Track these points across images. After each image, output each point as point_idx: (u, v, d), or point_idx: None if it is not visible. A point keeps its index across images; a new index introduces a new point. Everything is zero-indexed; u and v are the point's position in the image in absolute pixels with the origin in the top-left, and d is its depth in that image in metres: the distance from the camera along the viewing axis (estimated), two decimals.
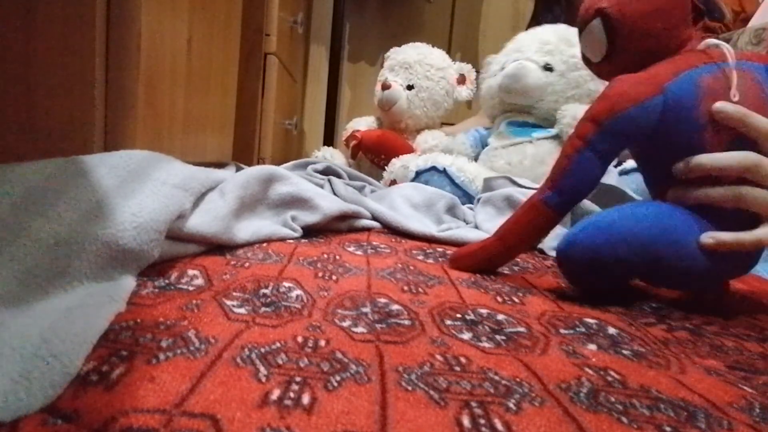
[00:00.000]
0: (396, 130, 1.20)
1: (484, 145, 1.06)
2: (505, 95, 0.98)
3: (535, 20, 1.27)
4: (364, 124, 1.27)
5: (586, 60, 0.49)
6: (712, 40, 0.43)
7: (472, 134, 1.11)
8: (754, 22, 1.00)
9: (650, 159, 0.47)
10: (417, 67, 1.18)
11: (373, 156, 1.13)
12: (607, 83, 0.46)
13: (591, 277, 0.43)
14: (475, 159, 1.08)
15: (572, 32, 0.96)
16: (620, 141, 0.44)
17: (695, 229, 0.41)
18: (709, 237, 0.40)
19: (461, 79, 1.21)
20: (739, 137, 0.40)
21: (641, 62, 0.44)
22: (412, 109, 1.17)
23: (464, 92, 1.21)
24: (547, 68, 0.95)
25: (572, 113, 0.90)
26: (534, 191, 0.48)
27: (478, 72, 1.16)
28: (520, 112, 0.99)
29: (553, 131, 0.95)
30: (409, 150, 1.12)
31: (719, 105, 0.40)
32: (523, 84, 0.94)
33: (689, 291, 0.46)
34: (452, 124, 1.33)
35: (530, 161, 0.93)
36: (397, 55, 1.23)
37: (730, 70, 0.41)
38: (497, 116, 1.04)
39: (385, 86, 1.16)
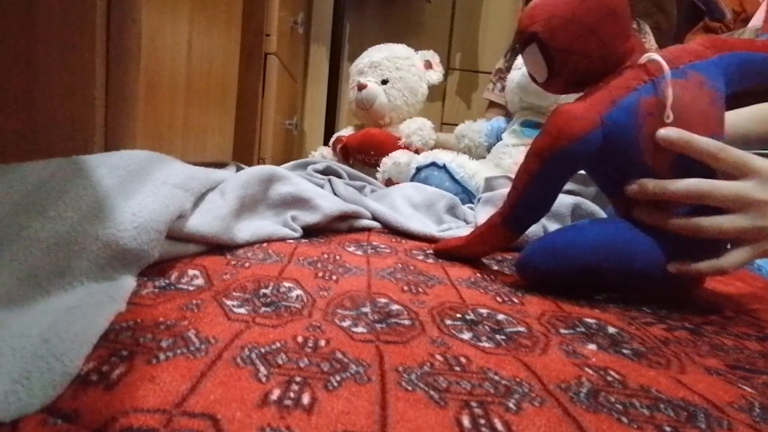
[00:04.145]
0: (380, 127, 1.21)
1: (499, 138, 1.06)
2: (522, 93, 0.97)
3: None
4: (344, 133, 1.28)
5: (533, 78, 0.49)
6: (651, 54, 0.42)
7: (492, 124, 1.10)
8: (754, 22, 1.00)
9: (599, 181, 0.48)
10: (385, 63, 1.21)
11: (363, 155, 1.15)
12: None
13: (544, 286, 0.45)
14: (488, 150, 1.08)
15: None
16: (564, 172, 0.45)
17: (644, 252, 0.42)
18: (673, 267, 0.42)
19: (428, 65, 1.25)
20: (682, 155, 0.40)
21: (582, 80, 0.45)
22: (393, 102, 1.19)
23: (434, 75, 1.25)
24: None
25: None
26: None
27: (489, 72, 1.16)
28: (537, 111, 0.98)
29: None
30: (394, 141, 1.13)
31: (662, 133, 0.40)
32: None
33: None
34: (453, 125, 1.33)
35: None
36: (362, 59, 1.26)
37: (666, 86, 0.40)
38: (516, 111, 1.04)
39: (361, 86, 1.18)
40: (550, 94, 0.92)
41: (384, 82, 1.19)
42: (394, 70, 1.20)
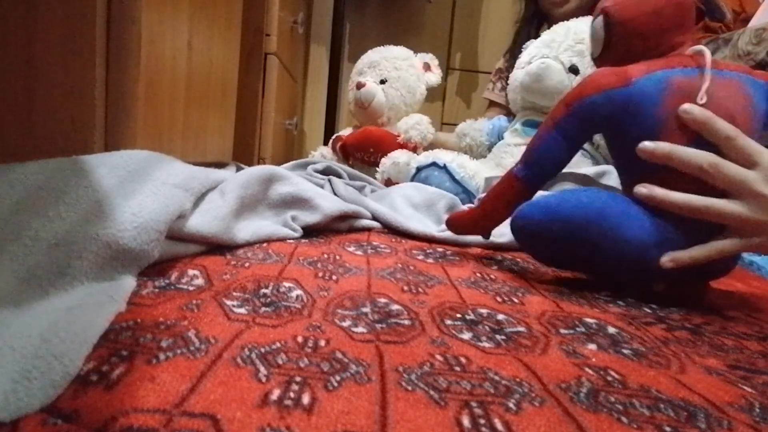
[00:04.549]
0: (378, 125, 1.22)
1: (501, 137, 1.06)
2: (525, 92, 0.96)
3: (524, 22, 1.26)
4: (344, 133, 1.29)
5: (592, 55, 0.51)
6: (699, 47, 0.43)
7: (493, 123, 1.11)
8: (755, 22, 1.00)
9: (615, 150, 0.48)
10: (384, 63, 1.21)
11: (363, 153, 1.15)
12: None
13: (538, 251, 0.47)
14: (489, 149, 1.08)
15: None
16: (585, 125, 0.46)
17: (637, 222, 0.43)
18: (668, 260, 0.42)
19: (426, 67, 1.25)
20: (697, 140, 0.41)
21: (631, 60, 0.46)
22: (391, 100, 1.19)
23: (432, 78, 1.26)
24: (573, 70, 0.92)
25: None
26: None
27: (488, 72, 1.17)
28: (539, 111, 0.98)
29: None
30: (392, 138, 1.13)
31: (686, 106, 0.41)
32: (543, 85, 0.92)
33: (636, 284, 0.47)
34: (453, 125, 1.33)
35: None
36: (362, 61, 1.26)
37: (706, 74, 0.41)
38: (518, 111, 1.04)
39: (360, 85, 1.18)
40: (554, 95, 0.93)
41: (382, 81, 1.20)
42: (393, 70, 1.20)
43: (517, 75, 1.00)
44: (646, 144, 0.42)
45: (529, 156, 0.49)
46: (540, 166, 0.48)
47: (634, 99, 0.43)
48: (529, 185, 0.49)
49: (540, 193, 0.50)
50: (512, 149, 0.98)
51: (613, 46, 0.47)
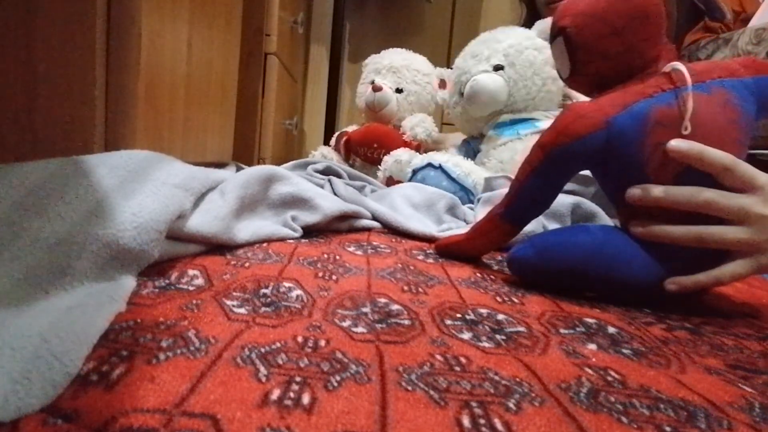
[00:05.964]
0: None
1: (476, 153, 1.06)
2: (480, 112, 0.97)
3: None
4: (349, 129, 1.29)
5: (559, 73, 0.49)
6: (676, 64, 0.41)
7: (463, 147, 1.11)
8: (755, 22, 1.00)
9: (601, 184, 0.48)
10: (404, 72, 1.20)
11: (366, 149, 1.15)
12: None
13: (536, 284, 0.46)
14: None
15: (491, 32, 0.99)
16: (565, 170, 0.46)
17: (636, 261, 0.42)
18: (672, 283, 0.41)
19: (442, 84, 1.24)
20: (687, 169, 0.40)
21: (603, 82, 0.44)
22: (401, 112, 1.19)
23: (445, 95, 1.25)
24: (498, 68, 0.94)
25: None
26: None
27: None
28: (501, 113, 0.98)
29: (539, 125, 0.94)
30: (397, 135, 1.13)
31: (674, 144, 0.39)
32: (487, 94, 0.93)
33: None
34: (453, 125, 1.33)
35: (521, 157, 0.92)
36: (382, 59, 1.24)
37: (687, 97, 0.39)
38: (482, 127, 1.03)
39: (377, 88, 1.17)
40: (502, 94, 0.92)
41: (399, 90, 1.19)
42: (411, 83, 1.19)
43: (458, 111, 1.02)
44: (634, 192, 0.42)
45: (511, 199, 0.48)
46: (522, 209, 0.48)
47: (613, 141, 0.42)
48: (514, 226, 0.49)
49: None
50: (492, 152, 0.96)
51: (579, 70, 0.45)
